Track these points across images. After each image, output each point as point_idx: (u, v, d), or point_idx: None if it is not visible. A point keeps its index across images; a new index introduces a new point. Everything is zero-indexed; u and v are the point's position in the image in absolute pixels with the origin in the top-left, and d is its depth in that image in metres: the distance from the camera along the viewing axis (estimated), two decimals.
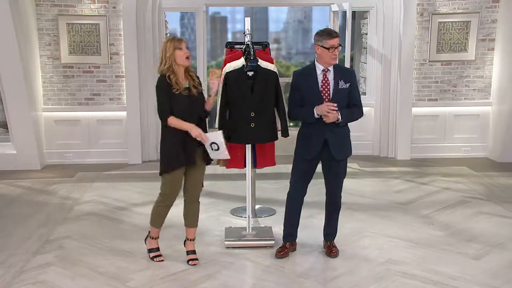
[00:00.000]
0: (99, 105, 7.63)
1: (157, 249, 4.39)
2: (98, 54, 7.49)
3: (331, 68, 4.12)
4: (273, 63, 5.02)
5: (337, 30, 7.54)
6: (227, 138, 4.65)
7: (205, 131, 4.10)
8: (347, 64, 7.18)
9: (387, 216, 5.41)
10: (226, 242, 4.65)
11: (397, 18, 7.61)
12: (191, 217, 4.31)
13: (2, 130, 8.43)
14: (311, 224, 5.06)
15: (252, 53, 4.69)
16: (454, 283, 3.96)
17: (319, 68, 4.13)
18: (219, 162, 5.26)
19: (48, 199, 6.03)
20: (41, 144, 7.53)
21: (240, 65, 4.66)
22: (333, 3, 7.68)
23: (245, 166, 4.90)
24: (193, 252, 4.34)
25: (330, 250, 4.45)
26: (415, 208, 5.68)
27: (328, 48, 4.03)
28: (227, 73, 4.69)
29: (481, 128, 7.97)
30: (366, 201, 5.91)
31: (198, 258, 4.30)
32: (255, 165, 5.21)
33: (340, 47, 4.11)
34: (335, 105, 4.02)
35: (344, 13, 7.36)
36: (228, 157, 4.21)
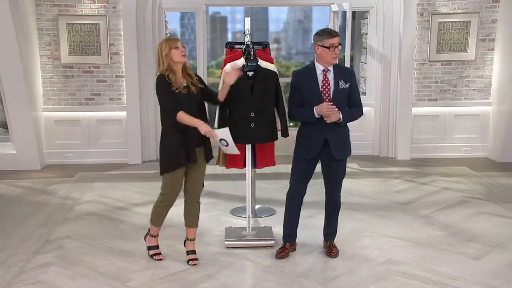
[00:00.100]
0: (99, 105, 7.63)
1: (157, 247, 4.41)
2: (98, 54, 7.49)
3: (331, 68, 4.12)
4: (273, 63, 5.02)
5: (337, 30, 7.53)
6: None
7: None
8: (347, 64, 7.18)
9: (387, 216, 5.41)
10: (226, 242, 4.65)
11: (397, 18, 7.61)
12: (191, 217, 4.32)
13: (2, 130, 8.44)
14: (311, 224, 5.06)
15: (252, 53, 4.70)
16: (454, 283, 3.96)
17: (319, 68, 4.13)
18: (219, 162, 5.27)
19: (48, 199, 6.04)
20: (41, 144, 7.53)
21: (240, 65, 4.66)
22: (333, 3, 7.68)
23: (245, 166, 4.90)
24: (193, 252, 4.34)
25: (330, 250, 4.45)
26: (415, 208, 5.68)
27: (328, 47, 4.02)
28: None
29: (481, 128, 7.97)
30: (366, 201, 5.91)
31: (198, 258, 4.30)
32: (255, 165, 5.21)
33: (340, 46, 4.11)
34: (334, 106, 4.01)
35: (344, 13, 7.36)
36: (237, 152, 4.19)
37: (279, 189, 5.91)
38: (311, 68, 4.17)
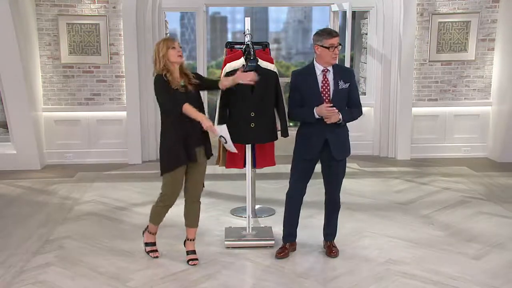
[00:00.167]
0: (99, 105, 7.63)
1: (154, 244, 4.43)
2: (98, 54, 7.49)
3: (330, 68, 4.12)
4: (273, 63, 5.02)
5: (337, 30, 7.54)
6: None
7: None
8: (347, 64, 7.18)
9: (387, 216, 5.41)
10: (226, 242, 4.65)
11: (397, 18, 7.61)
12: (191, 217, 4.32)
13: (2, 130, 8.44)
14: (311, 224, 5.06)
15: (252, 53, 4.70)
16: (454, 283, 3.96)
17: (319, 68, 4.12)
18: (218, 162, 5.27)
19: (48, 199, 6.04)
20: (41, 144, 7.53)
21: (240, 65, 4.66)
22: (333, 3, 7.68)
23: (245, 166, 4.90)
24: (193, 252, 4.34)
25: (330, 250, 4.45)
26: (415, 208, 5.68)
27: (328, 47, 4.02)
28: (227, 73, 4.68)
29: (481, 128, 7.97)
30: (366, 201, 5.91)
31: (198, 258, 4.31)
32: (254, 165, 5.21)
33: (340, 46, 4.10)
34: (333, 108, 4.02)
35: (344, 13, 7.36)
36: (235, 150, 4.22)
37: (279, 189, 5.91)
38: (310, 68, 4.16)
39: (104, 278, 4.07)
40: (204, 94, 7.79)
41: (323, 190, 4.39)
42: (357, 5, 7.75)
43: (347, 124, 4.26)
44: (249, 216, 4.81)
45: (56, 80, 7.54)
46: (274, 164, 5.35)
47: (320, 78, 4.11)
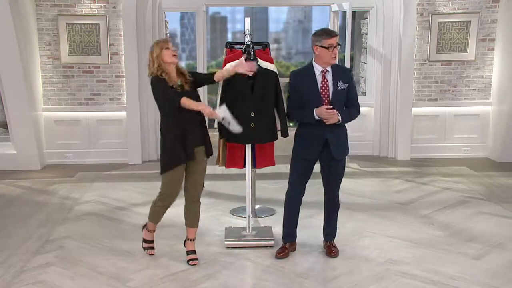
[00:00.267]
0: (99, 105, 7.63)
1: (151, 241, 4.45)
2: (98, 54, 7.49)
3: (329, 69, 4.11)
4: (273, 63, 5.02)
5: (337, 30, 7.54)
6: (227, 139, 4.69)
7: (203, 123, 4.17)
8: (347, 64, 7.18)
9: (387, 216, 5.41)
10: (226, 242, 4.65)
11: (397, 18, 7.61)
12: (191, 217, 4.32)
13: (2, 130, 8.44)
14: (311, 224, 5.05)
15: (252, 53, 4.69)
16: (454, 283, 3.96)
17: (318, 69, 4.11)
18: (218, 162, 5.27)
19: (48, 199, 6.04)
20: (41, 144, 7.53)
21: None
22: (333, 3, 7.67)
23: (244, 166, 4.90)
24: (193, 252, 4.34)
25: (330, 250, 4.45)
26: (415, 208, 5.68)
27: (327, 48, 4.01)
28: None
29: (481, 128, 7.97)
30: (366, 201, 5.91)
31: (198, 258, 4.31)
32: (254, 165, 5.21)
33: (339, 46, 4.10)
34: (333, 111, 4.01)
35: (344, 13, 7.36)
36: (240, 129, 4.10)
37: (279, 189, 5.90)
38: (309, 69, 4.15)
39: (104, 278, 4.07)
40: (204, 94, 7.82)
41: (323, 190, 4.39)
42: (357, 5, 7.75)
43: (347, 123, 4.26)
44: (249, 216, 4.81)
45: (56, 80, 7.54)
46: (274, 164, 5.35)
47: (319, 79, 4.10)
